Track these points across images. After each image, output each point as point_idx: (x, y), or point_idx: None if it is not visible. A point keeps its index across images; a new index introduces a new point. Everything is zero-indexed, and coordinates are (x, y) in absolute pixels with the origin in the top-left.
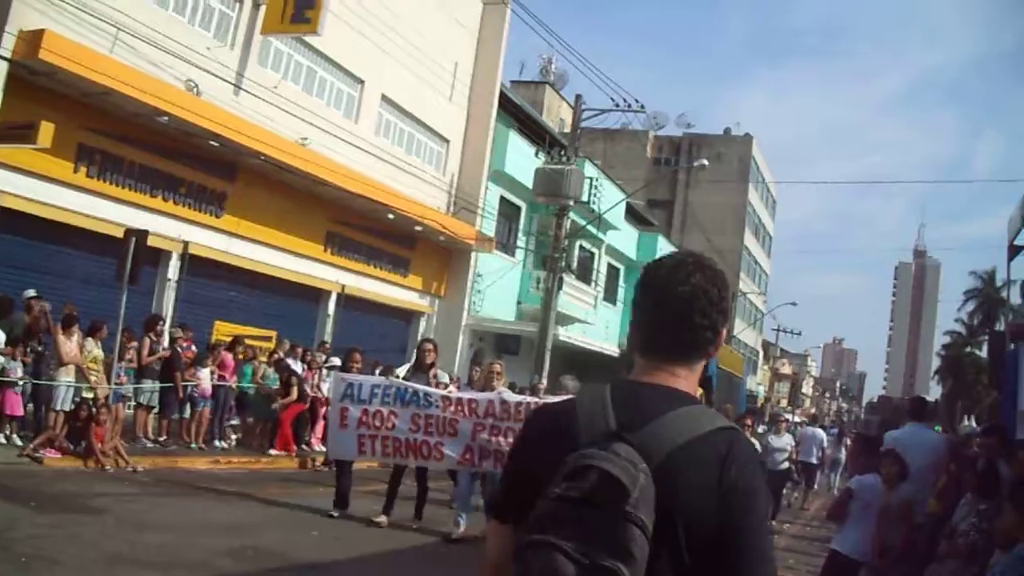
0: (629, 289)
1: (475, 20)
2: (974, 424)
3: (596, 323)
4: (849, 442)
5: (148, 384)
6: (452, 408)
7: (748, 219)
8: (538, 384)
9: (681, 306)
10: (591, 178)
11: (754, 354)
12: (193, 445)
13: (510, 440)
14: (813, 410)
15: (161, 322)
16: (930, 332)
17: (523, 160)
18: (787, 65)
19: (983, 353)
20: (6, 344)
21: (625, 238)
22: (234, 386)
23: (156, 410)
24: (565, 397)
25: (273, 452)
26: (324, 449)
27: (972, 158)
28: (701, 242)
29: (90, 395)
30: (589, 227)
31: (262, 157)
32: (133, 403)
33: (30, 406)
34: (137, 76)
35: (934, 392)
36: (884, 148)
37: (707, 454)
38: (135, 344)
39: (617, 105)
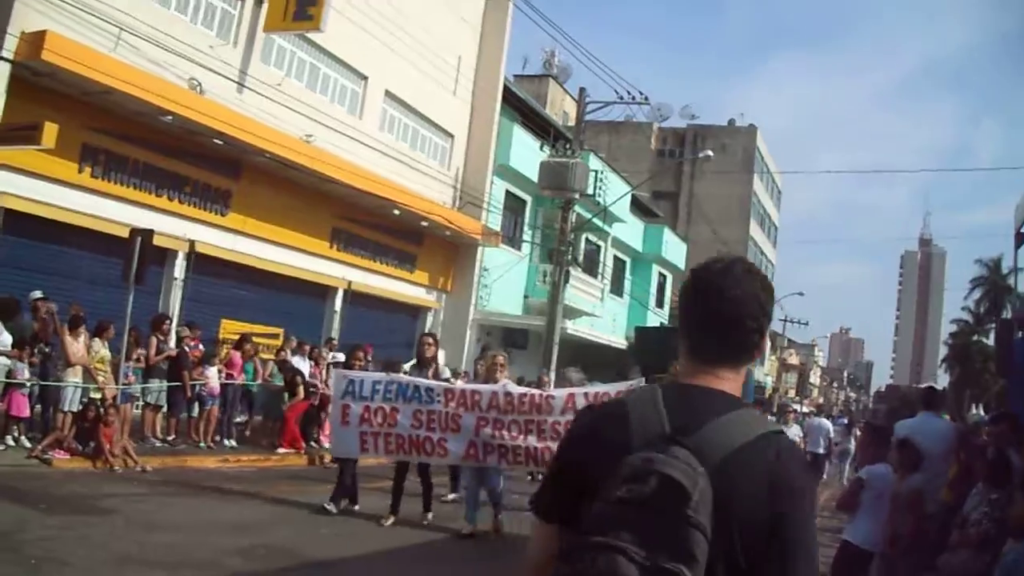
0: (636, 281)
1: (477, 14)
2: (982, 412)
3: (603, 316)
4: (859, 432)
5: (155, 384)
6: (455, 402)
7: (753, 209)
8: (544, 377)
9: (731, 310)
10: (596, 171)
11: None
12: (202, 444)
13: (514, 434)
14: (821, 400)
15: (168, 321)
16: (937, 320)
17: (528, 154)
18: (788, 56)
19: (990, 341)
20: (13, 346)
21: (631, 230)
22: (241, 382)
23: (164, 409)
24: (572, 389)
25: (282, 450)
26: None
27: (975, 146)
28: (707, 233)
29: (98, 396)
30: (595, 220)
31: (267, 154)
32: (141, 403)
33: (38, 407)
34: (140, 75)
35: (941, 380)
36: (885, 137)
37: (759, 457)
38: (143, 346)
39: (621, 98)
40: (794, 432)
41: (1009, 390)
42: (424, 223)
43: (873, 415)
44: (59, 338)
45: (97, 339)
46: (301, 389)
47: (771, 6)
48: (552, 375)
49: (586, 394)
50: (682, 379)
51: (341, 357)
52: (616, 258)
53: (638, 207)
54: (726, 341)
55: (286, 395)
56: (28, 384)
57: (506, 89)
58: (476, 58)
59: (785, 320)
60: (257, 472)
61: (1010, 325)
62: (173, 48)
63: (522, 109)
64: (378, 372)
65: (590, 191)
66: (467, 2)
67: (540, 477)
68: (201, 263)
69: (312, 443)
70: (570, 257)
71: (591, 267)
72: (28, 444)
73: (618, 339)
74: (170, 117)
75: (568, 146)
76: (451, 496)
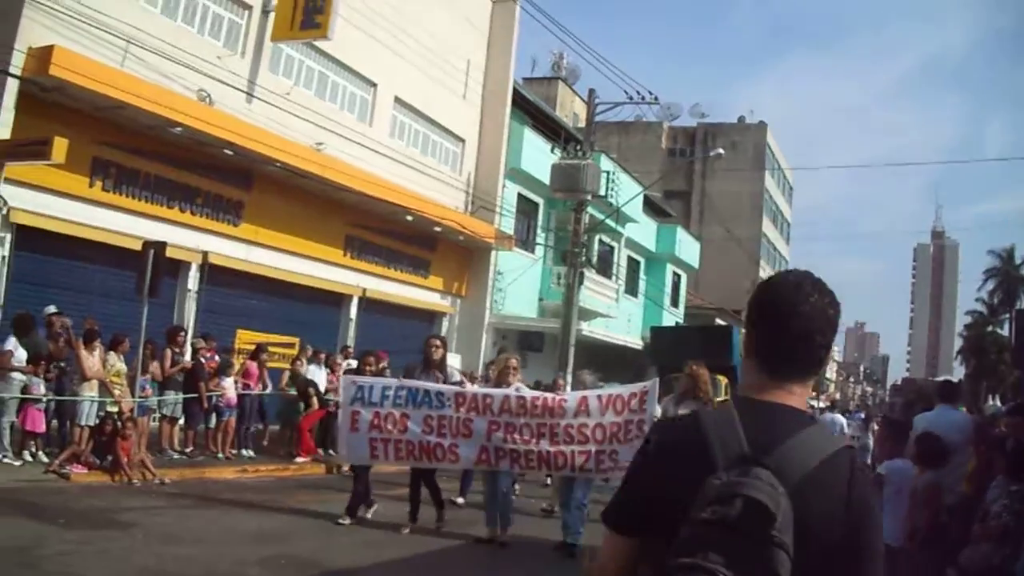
0: (650, 281)
1: (485, 18)
2: (999, 403)
3: (618, 316)
4: (876, 426)
5: (171, 396)
6: (466, 407)
7: (765, 206)
8: (560, 381)
9: (803, 326)
10: (607, 172)
11: None
12: (220, 455)
13: (526, 438)
14: (837, 395)
15: (183, 333)
16: (951, 313)
17: (539, 156)
18: (795, 53)
19: (1005, 331)
20: (28, 362)
21: (644, 230)
22: (258, 392)
23: (181, 422)
24: (585, 392)
25: (300, 459)
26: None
27: (984, 138)
28: (720, 231)
29: (114, 409)
30: (607, 221)
31: (278, 164)
32: (158, 415)
33: (54, 422)
34: (149, 88)
35: (957, 373)
36: (895, 132)
37: (835, 475)
38: (158, 358)
39: (631, 98)
40: None
41: None
42: (437, 228)
43: (890, 409)
44: (74, 352)
45: (112, 353)
46: (315, 399)
47: (776, 5)
48: (568, 377)
49: (599, 396)
50: (754, 394)
51: (354, 364)
52: (630, 258)
53: (650, 207)
54: (797, 356)
55: (302, 404)
56: (44, 399)
57: (515, 92)
58: (484, 62)
59: None
60: (276, 482)
61: None
62: (181, 60)
63: (532, 112)
64: (396, 379)
65: (602, 192)
66: (474, 6)
67: (549, 481)
68: (215, 274)
69: (330, 452)
70: (584, 258)
71: (605, 268)
72: (45, 459)
73: (634, 339)
74: (180, 129)
75: (579, 147)
76: (460, 500)
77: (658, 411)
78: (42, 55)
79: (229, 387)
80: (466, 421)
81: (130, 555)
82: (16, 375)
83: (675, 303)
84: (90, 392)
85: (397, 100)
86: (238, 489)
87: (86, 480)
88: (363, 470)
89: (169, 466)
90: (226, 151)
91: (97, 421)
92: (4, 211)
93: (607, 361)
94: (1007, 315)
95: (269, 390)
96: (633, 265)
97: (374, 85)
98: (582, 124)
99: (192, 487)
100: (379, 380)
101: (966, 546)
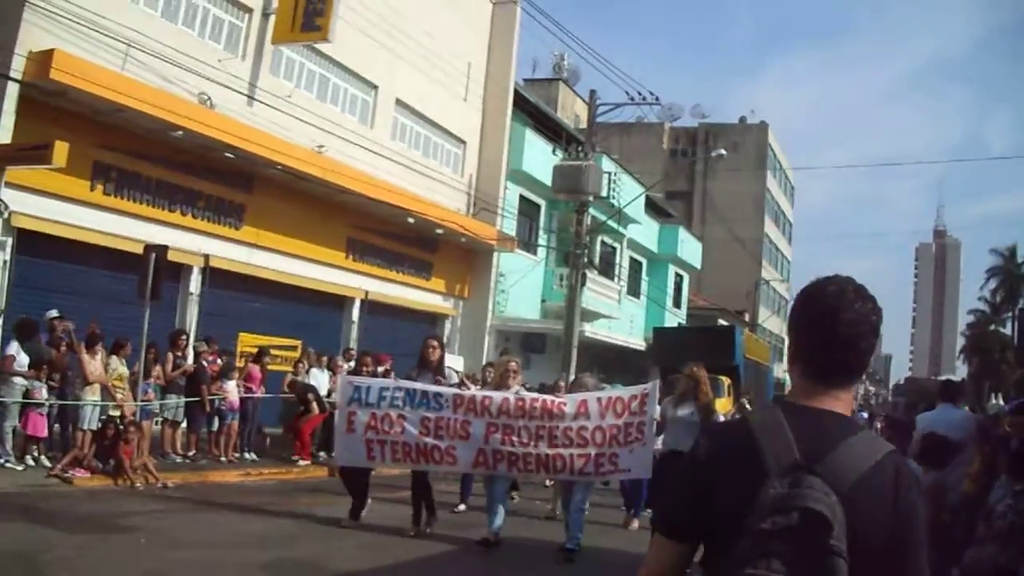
0: (652, 282)
1: (485, 20)
2: (1002, 402)
3: (621, 318)
4: (879, 426)
5: (173, 399)
6: (463, 407)
7: (768, 207)
8: (561, 383)
9: (847, 332)
10: (609, 173)
11: (780, 341)
12: (223, 458)
13: (524, 440)
14: None
15: (185, 336)
16: (953, 312)
17: (540, 158)
18: (795, 53)
19: (1008, 330)
20: (30, 367)
21: (646, 231)
22: (261, 395)
23: (184, 425)
24: (585, 394)
25: (303, 462)
26: None
27: (986, 137)
28: (722, 232)
29: (116, 413)
30: (609, 222)
31: (279, 167)
32: (160, 419)
33: (56, 426)
34: (149, 92)
35: (960, 372)
36: (896, 131)
37: (883, 480)
38: (161, 362)
39: (632, 99)
40: None
41: None
42: (439, 230)
43: (893, 408)
44: (76, 356)
45: (114, 356)
46: (314, 405)
47: (776, 4)
48: (570, 379)
49: (599, 399)
50: (801, 400)
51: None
52: (632, 259)
53: (652, 208)
54: (842, 363)
55: (302, 408)
56: (46, 404)
57: (517, 94)
58: (485, 63)
59: None
60: (279, 485)
61: None
62: (182, 63)
63: (533, 113)
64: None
65: (604, 193)
66: (474, 8)
67: (549, 483)
68: (217, 277)
69: (333, 455)
70: (586, 260)
71: (607, 269)
72: (48, 464)
73: (636, 340)
74: (181, 132)
75: (580, 149)
76: (461, 507)
77: (658, 413)
78: (42, 59)
79: (231, 390)
80: (464, 423)
81: (133, 560)
82: (18, 380)
83: (677, 304)
84: (92, 396)
85: (398, 102)
86: (241, 493)
87: (89, 484)
88: (360, 474)
89: (172, 470)
90: (227, 154)
91: (99, 425)
92: (5, 215)
93: (610, 362)
94: (1010, 314)
95: (262, 393)
96: (635, 266)
97: (375, 87)
98: (583, 125)
99: (195, 491)
100: (376, 381)
101: (969, 546)
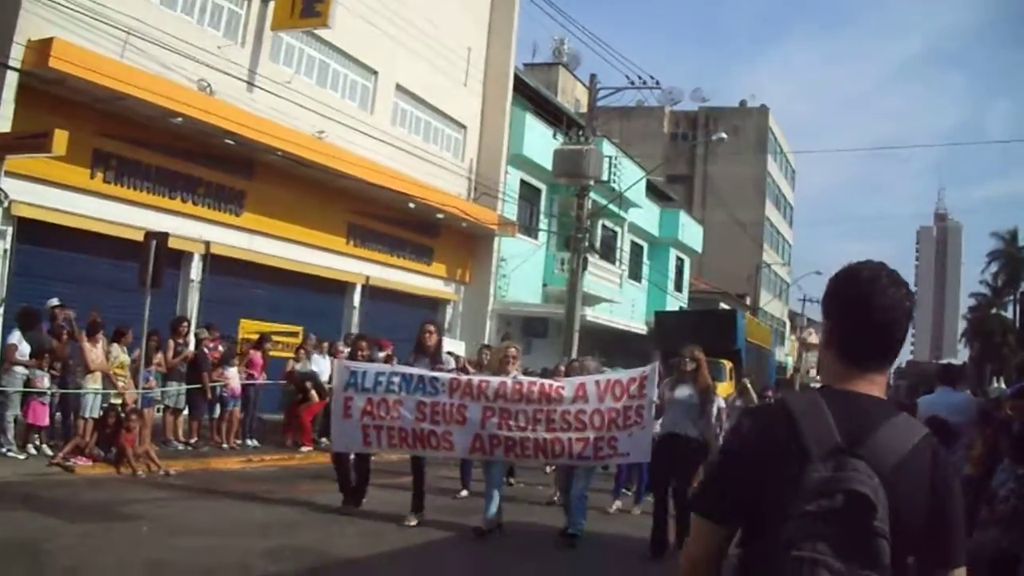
0: (653, 266)
1: (485, 5)
2: (1003, 386)
3: (622, 302)
4: None
5: (174, 386)
6: (459, 391)
7: (768, 190)
8: (562, 367)
9: (883, 318)
10: (610, 157)
11: (781, 325)
12: (225, 445)
13: (521, 424)
14: None
15: (186, 323)
16: (955, 295)
17: (541, 142)
18: (796, 36)
19: (1009, 314)
20: (32, 356)
21: (647, 215)
22: (262, 381)
23: (185, 412)
24: (583, 377)
25: (305, 449)
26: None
27: (986, 120)
28: (723, 215)
29: (118, 401)
30: (610, 206)
31: (279, 153)
32: (162, 406)
33: (58, 415)
34: (149, 79)
35: (962, 355)
36: (897, 115)
37: (921, 462)
38: (163, 349)
39: (632, 83)
40: None
41: None
42: (440, 215)
43: (895, 392)
44: (77, 345)
45: (116, 344)
46: (313, 393)
47: None
48: (568, 361)
49: (598, 382)
50: (838, 384)
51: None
52: (633, 243)
53: (653, 192)
54: (877, 347)
55: (300, 396)
56: (48, 392)
57: (517, 78)
58: (485, 48)
59: (804, 300)
60: (281, 471)
61: None
62: (181, 50)
63: (533, 98)
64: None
65: (604, 177)
66: None
67: (549, 469)
68: (217, 264)
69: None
70: (587, 244)
71: (608, 253)
72: (49, 452)
73: (638, 324)
74: (181, 119)
75: (581, 133)
76: (463, 493)
77: (656, 396)
78: (41, 48)
79: (233, 377)
80: (460, 407)
81: (135, 547)
82: (19, 368)
83: (679, 288)
84: (93, 384)
85: (398, 88)
86: (243, 479)
87: (91, 473)
88: (361, 458)
89: (174, 457)
90: (227, 141)
91: (101, 413)
92: (5, 204)
93: (611, 346)
94: (1011, 297)
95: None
96: (636, 250)
97: (375, 73)
98: (583, 110)
99: (197, 478)
100: (372, 366)
101: (972, 529)
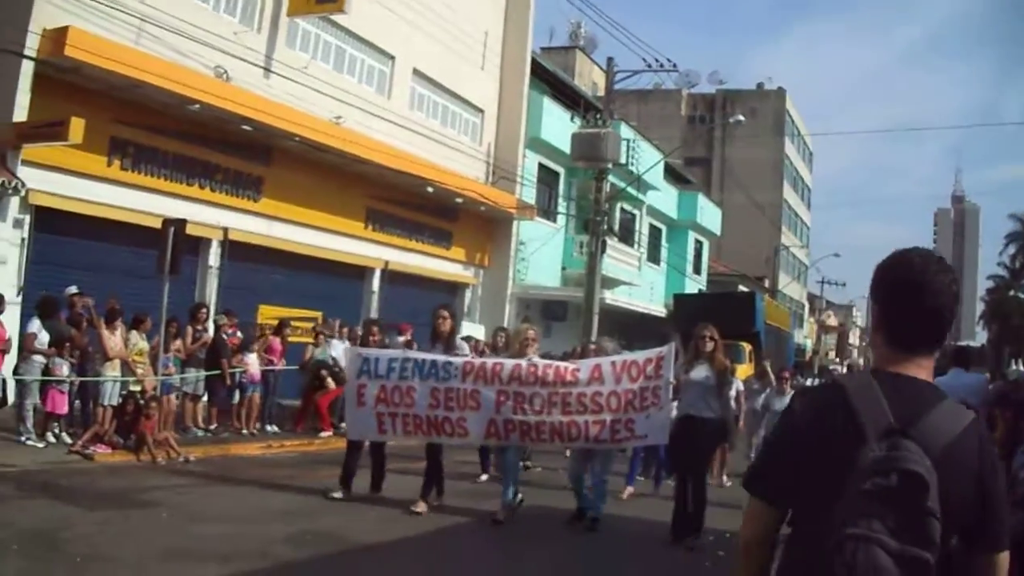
0: (672, 249)
1: None
2: (1022, 368)
3: (641, 284)
4: None
5: (193, 373)
6: (473, 375)
7: (786, 172)
8: (577, 349)
9: (933, 303)
10: (628, 140)
11: (800, 307)
12: (244, 431)
13: (537, 408)
14: (861, 360)
15: (205, 310)
16: (973, 277)
17: (559, 126)
18: (812, 18)
19: None
20: (51, 345)
21: (665, 198)
22: (282, 367)
23: (205, 399)
24: (599, 359)
25: (324, 434)
26: None
27: (1005, 100)
28: (741, 198)
29: (137, 388)
30: (628, 189)
31: (297, 138)
32: (181, 393)
33: (77, 403)
34: (165, 66)
35: (980, 337)
36: (914, 96)
37: (969, 447)
38: (182, 336)
39: (649, 65)
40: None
41: None
42: (458, 199)
43: None
44: (96, 332)
45: (135, 331)
46: (329, 380)
47: None
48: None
49: (614, 363)
50: (889, 367)
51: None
52: (651, 226)
53: (671, 174)
54: (927, 332)
55: (317, 383)
56: (67, 380)
57: (534, 62)
58: (502, 32)
59: (823, 282)
60: (300, 457)
61: None
62: (197, 37)
63: (551, 81)
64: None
65: (623, 160)
66: None
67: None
68: (236, 250)
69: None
70: (606, 227)
71: (627, 236)
72: (69, 440)
73: (657, 307)
74: (198, 106)
75: (599, 116)
76: (483, 477)
77: (672, 376)
78: (57, 36)
79: (252, 363)
80: (473, 392)
81: (157, 535)
82: (37, 357)
83: (697, 270)
84: (112, 372)
85: (415, 72)
86: (263, 465)
87: (110, 460)
88: (376, 446)
89: (193, 444)
90: (244, 127)
91: (120, 401)
92: (23, 193)
93: (631, 329)
94: None
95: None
96: (655, 233)
97: (392, 58)
98: (601, 93)
99: (216, 464)
100: (385, 352)
101: None
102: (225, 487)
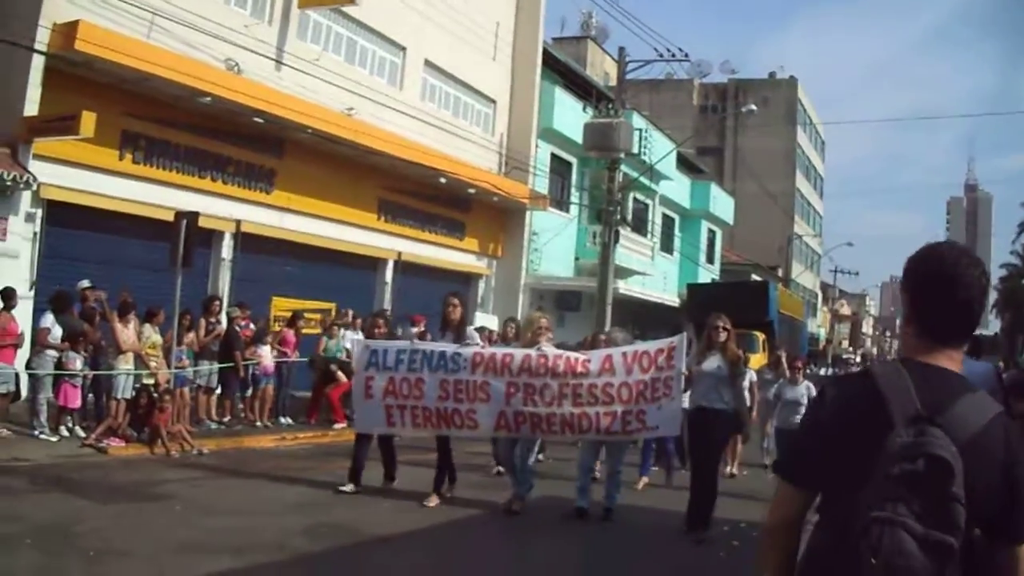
0: (685, 239)
1: None
2: None
3: (654, 274)
4: None
5: (206, 365)
6: (482, 367)
7: (799, 161)
8: (587, 339)
9: (964, 296)
10: (640, 129)
11: (813, 297)
12: (258, 424)
13: (547, 400)
14: (874, 349)
15: (218, 302)
16: (986, 266)
17: (571, 116)
18: (824, 6)
19: None
20: (63, 339)
21: (678, 187)
22: (295, 359)
23: (218, 391)
24: (610, 350)
25: (338, 426)
26: None
27: (1017, 88)
28: (753, 187)
29: (150, 381)
30: (641, 179)
31: (309, 130)
32: (194, 386)
33: (90, 396)
34: (176, 59)
35: (992, 326)
36: (926, 85)
37: (995, 437)
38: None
39: (661, 55)
40: (801, 391)
41: None
42: (471, 190)
43: None
44: (109, 326)
45: (148, 324)
46: (340, 374)
47: None
48: (604, 336)
49: (624, 354)
50: (918, 357)
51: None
52: (664, 216)
53: (684, 164)
54: (957, 324)
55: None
56: (80, 374)
57: (546, 52)
58: (514, 22)
59: (836, 271)
60: (314, 449)
61: None
62: (208, 30)
63: (562, 71)
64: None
65: (635, 150)
66: None
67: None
68: (249, 242)
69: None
70: (619, 217)
71: (640, 226)
72: (82, 434)
73: (670, 297)
74: (209, 99)
75: (611, 106)
76: (499, 468)
77: (684, 367)
78: (67, 31)
79: (265, 355)
80: (483, 384)
81: (171, 528)
82: (50, 351)
83: (710, 260)
84: (125, 365)
85: (427, 63)
86: (277, 458)
87: (124, 454)
88: (382, 440)
89: (207, 436)
90: (256, 119)
91: (133, 394)
92: (34, 187)
93: (644, 318)
94: None
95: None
96: (668, 222)
97: (403, 49)
98: (612, 83)
99: (230, 457)
100: (393, 343)
101: None
102: (239, 480)
